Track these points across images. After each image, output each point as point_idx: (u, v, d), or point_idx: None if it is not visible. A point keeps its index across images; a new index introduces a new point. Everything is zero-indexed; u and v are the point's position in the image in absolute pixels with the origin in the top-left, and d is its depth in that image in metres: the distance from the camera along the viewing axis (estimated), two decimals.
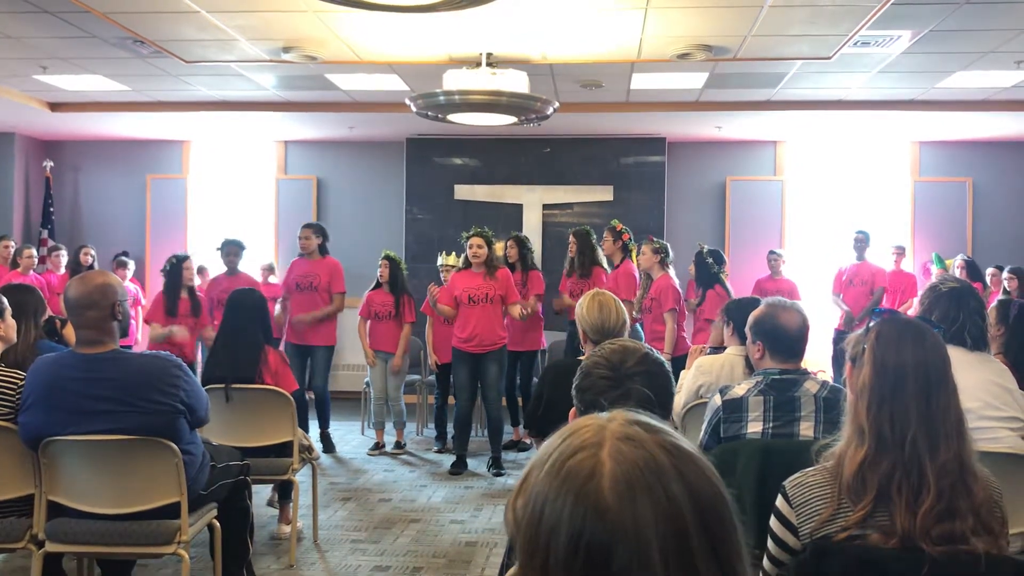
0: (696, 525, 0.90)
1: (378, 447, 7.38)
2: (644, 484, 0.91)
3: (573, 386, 2.20)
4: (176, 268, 6.86)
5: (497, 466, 6.61)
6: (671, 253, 6.95)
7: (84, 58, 6.95)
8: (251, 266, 9.63)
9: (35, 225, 10.29)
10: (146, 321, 6.97)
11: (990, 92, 7.83)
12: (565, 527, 0.90)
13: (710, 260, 6.97)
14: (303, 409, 6.87)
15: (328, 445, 7.38)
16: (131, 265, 9.48)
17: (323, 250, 7.40)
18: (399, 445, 7.39)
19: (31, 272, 8.62)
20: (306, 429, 6.78)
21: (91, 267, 9.06)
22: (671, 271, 6.91)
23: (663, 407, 2.13)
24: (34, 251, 8.92)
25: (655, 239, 7.08)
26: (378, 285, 7.40)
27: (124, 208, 10.58)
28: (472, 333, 6.59)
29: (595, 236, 7.50)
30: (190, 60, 6.72)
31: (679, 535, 0.90)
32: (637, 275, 7.12)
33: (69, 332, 4.29)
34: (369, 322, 7.40)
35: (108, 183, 10.63)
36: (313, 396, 7.34)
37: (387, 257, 7.40)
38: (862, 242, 8.88)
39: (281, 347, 7.07)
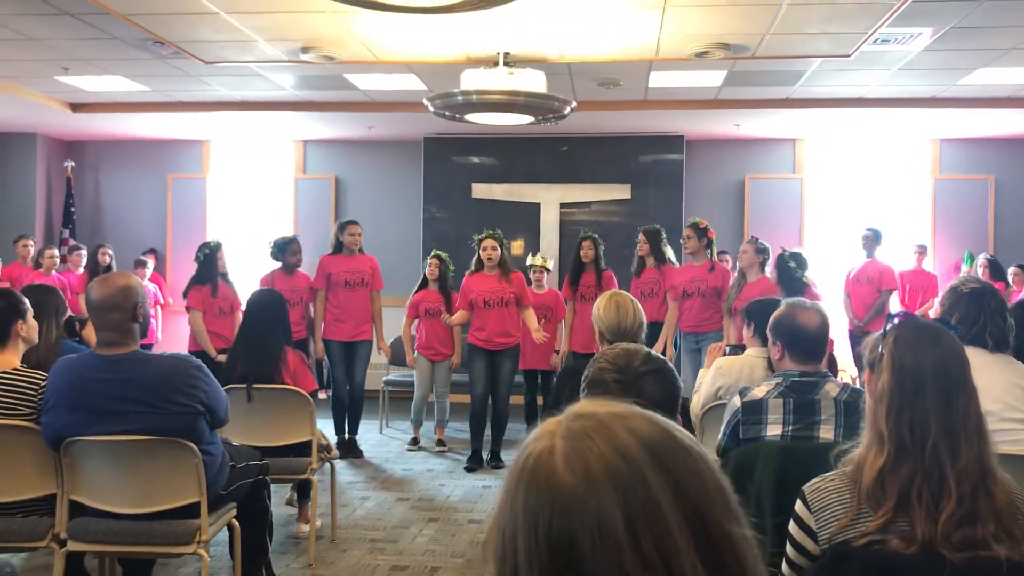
0: (658, 478, 0.81)
1: (416, 442, 7.42)
2: (596, 450, 0.82)
3: (582, 397, 2.18)
4: (210, 257, 6.98)
5: (496, 460, 6.78)
6: (771, 255, 6.57)
7: (105, 59, 7.01)
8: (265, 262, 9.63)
9: (56, 225, 10.38)
10: (188, 308, 6.87)
11: (1012, 89, 7.75)
12: (522, 520, 0.83)
13: (792, 264, 6.29)
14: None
15: (355, 451, 7.14)
16: (150, 264, 9.57)
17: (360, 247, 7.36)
18: (441, 443, 7.36)
19: (52, 272, 8.70)
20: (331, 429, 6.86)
21: (109, 267, 9.13)
22: (768, 273, 6.50)
23: (672, 404, 2.12)
24: (56, 251, 9.00)
25: (758, 239, 6.76)
26: (424, 284, 7.36)
27: (145, 208, 10.66)
28: (488, 335, 6.74)
29: (664, 234, 7.32)
30: (209, 61, 6.75)
31: (644, 494, 0.80)
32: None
33: (89, 332, 4.32)
34: (417, 322, 7.36)
35: (129, 183, 10.70)
36: (347, 397, 7.20)
37: (436, 256, 7.38)
38: (871, 239, 8.72)
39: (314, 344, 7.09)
